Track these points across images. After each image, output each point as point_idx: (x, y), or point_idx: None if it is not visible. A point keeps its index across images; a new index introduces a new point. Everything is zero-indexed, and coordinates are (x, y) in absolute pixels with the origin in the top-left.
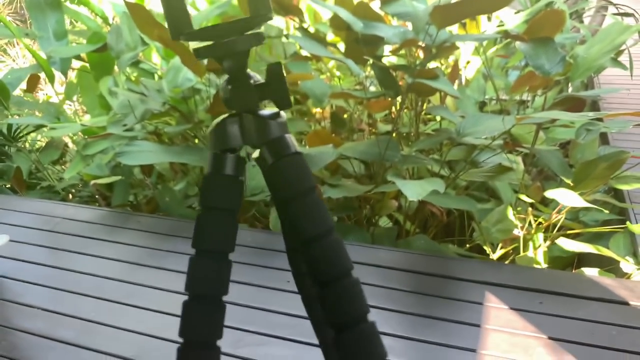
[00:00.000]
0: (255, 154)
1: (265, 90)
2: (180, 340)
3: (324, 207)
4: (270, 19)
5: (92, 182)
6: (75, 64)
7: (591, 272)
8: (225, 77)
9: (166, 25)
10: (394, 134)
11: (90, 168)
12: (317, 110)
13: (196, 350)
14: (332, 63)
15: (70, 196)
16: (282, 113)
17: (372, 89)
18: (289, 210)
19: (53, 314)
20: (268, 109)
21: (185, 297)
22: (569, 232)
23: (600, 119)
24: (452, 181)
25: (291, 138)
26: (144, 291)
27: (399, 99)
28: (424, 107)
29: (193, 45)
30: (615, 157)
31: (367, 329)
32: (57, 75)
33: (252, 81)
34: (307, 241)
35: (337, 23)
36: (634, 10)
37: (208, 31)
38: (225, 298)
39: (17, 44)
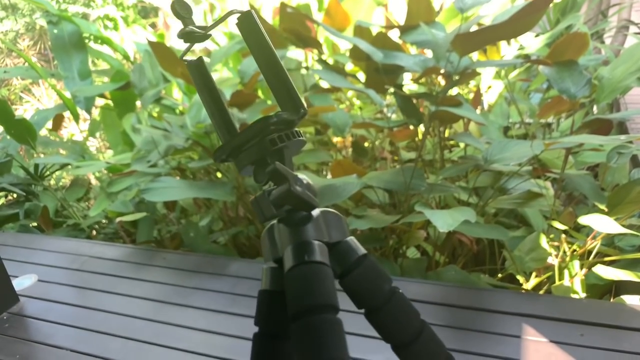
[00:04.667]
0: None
1: None
2: None
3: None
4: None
5: (118, 219)
6: (98, 101)
7: (632, 300)
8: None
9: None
10: (418, 162)
11: (114, 205)
12: (337, 139)
13: None
14: (351, 92)
15: (94, 232)
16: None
17: (393, 117)
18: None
19: (82, 355)
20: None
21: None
22: (605, 258)
23: (631, 142)
24: (480, 209)
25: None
26: (171, 330)
27: (421, 126)
28: (446, 133)
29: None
30: None
31: None
32: (81, 113)
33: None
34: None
35: (356, 54)
36: None
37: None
38: None
39: (42, 84)
